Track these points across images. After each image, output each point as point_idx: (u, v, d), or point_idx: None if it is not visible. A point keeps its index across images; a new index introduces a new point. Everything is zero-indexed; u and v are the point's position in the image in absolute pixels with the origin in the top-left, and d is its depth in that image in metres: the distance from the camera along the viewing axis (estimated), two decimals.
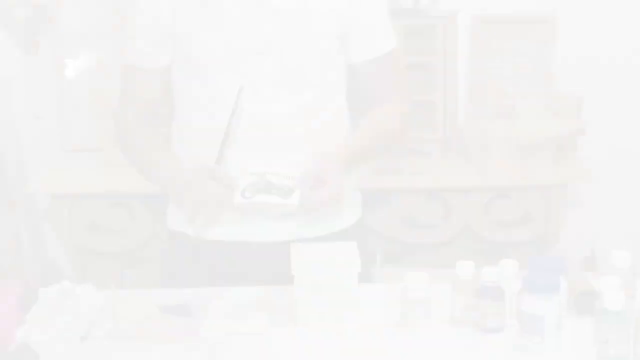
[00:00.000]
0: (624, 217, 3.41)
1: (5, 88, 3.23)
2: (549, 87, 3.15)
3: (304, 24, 1.88)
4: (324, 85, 1.94)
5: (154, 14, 1.90)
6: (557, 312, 1.63)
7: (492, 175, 2.81)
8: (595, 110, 3.26)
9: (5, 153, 2.98)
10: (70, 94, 3.13)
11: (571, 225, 3.37)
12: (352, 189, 2.06)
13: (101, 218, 2.91)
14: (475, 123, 3.13)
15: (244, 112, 1.90)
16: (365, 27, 1.95)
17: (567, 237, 3.39)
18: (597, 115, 3.26)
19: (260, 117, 1.90)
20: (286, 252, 1.82)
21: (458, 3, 3.15)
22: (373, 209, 2.91)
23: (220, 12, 1.87)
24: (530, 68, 3.18)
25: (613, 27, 3.25)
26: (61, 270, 3.31)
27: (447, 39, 2.99)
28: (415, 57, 2.99)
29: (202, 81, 1.91)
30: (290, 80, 1.90)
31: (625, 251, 1.76)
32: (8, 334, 1.70)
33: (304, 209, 1.81)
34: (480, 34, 3.20)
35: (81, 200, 2.86)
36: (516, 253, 3.07)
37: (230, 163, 1.89)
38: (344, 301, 1.77)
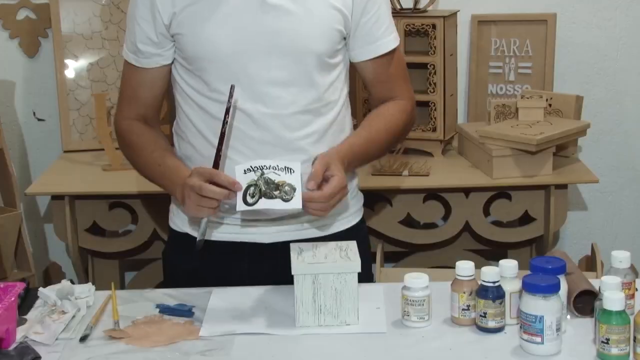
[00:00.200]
0: (624, 217, 3.41)
1: (7, 89, 3.23)
2: (549, 87, 3.15)
3: (306, 24, 1.88)
4: (327, 85, 1.94)
5: (155, 15, 1.90)
6: (557, 312, 1.63)
7: (492, 175, 2.80)
8: (595, 110, 3.26)
9: (7, 153, 2.97)
10: (70, 94, 3.12)
11: (571, 225, 3.37)
12: (355, 189, 2.06)
13: (101, 219, 2.91)
14: (475, 123, 3.13)
15: (246, 113, 1.90)
16: (369, 26, 1.94)
17: (567, 237, 3.40)
18: (597, 115, 3.26)
19: (262, 118, 1.90)
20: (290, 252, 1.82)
21: (458, 3, 3.15)
22: (373, 209, 2.91)
23: (222, 12, 1.86)
24: (530, 68, 3.18)
25: (613, 27, 3.25)
26: (61, 270, 3.31)
27: (447, 39, 2.99)
28: (416, 57, 2.99)
29: (203, 81, 1.91)
30: (293, 80, 1.90)
31: (625, 251, 1.76)
32: (8, 334, 1.70)
33: (312, 210, 1.81)
34: (480, 34, 3.20)
35: (81, 201, 2.86)
36: (516, 253, 3.08)
37: (230, 163, 1.88)
38: (344, 301, 1.76)
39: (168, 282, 2.09)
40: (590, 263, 2.82)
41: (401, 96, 2.03)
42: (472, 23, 3.20)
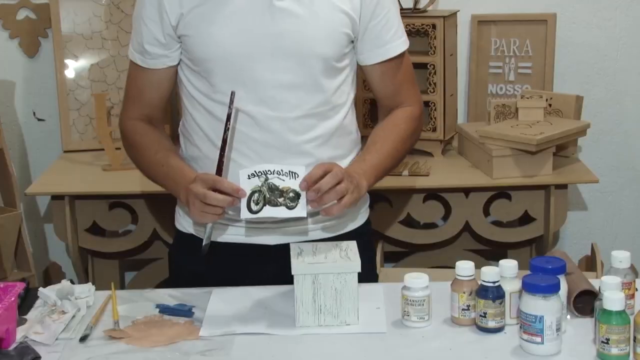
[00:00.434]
0: (624, 217, 3.41)
1: (7, 89, 3.23)
2: (549, 87, 3.15)
3: (312, 27, 1.87)
4: (333, 88, 1.93)
5: (162, 16, 1.89)
6: (557, 312, 1.63)
7: (492, 175, 2.80)
8: (595, 110, 3.26)
9: (7, 153, 2.97)
10: (70, 94, 3.12)
11: (571, 225, 3.37)
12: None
13: (101, 219, 2.91)
14: (475, 123, 3.13)
15: (250, 116, 1.89)
16: (377, 29, 1.93)
17: (567, 237, 3.40)
18: (597, 115, 3.26)
19: (267, 121, 1.89)
20: None
21: (458, 3, 3.15)
22: (373, 208, 2.91)
23: (229, 14, 1.86)
24: (530, 68, 3.18)
25: (613, 27, 3.25)
26: (61, 270, 3.31)
27: (447, 39, 2.99)
28: (415, 57, 2.99)
29: (209, 83, 1.90)
30: (299, 83, 1.89)
31: (625, 251, 1.76)
32: (8, 334, 1.70)
33: (325, 212, 1.80)
34: (480, 34, 3.20)
35: (81, 201, 2.86)
36: (516, 253, 3.08)
37: (235, 166, 1.88)
38: (344, 301, 1.76)
39: (174, 282, 2.08)
40: (590, 263, 2.82)
41: (408, 101, 2.02)
42: (472, 23, 3.20)
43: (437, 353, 1.67)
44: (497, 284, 1.72)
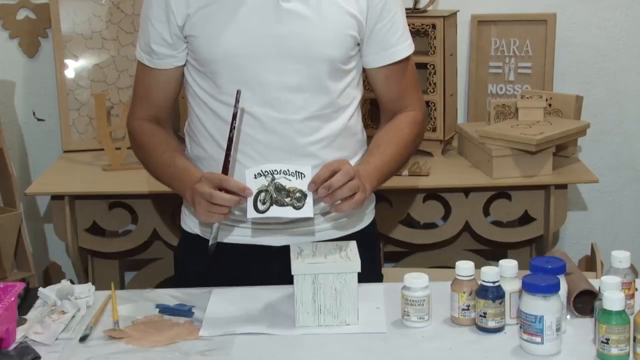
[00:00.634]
0: (624, 217, 3.41)
1: (7, 89, 3.23)
2: (548, 87, 3.15)
3: (319, 29, 1.86)
4: (339, 91, 1.93)
5: (169, 16, 1.89)
6: (557, 312, 1.63)
7: (492, 175, 2.80)
8: (595, 110, 3.26)
9: (7, 153, 2.97)
10: (70, 94, 3.12)
11: (571, 225, 3.37)
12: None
13: (101, 219, 2.91)
14: (475, 123, 3.13)
15: (256, 117, 1.89)
16: (383, 32, 1.93)
17: (567, 237, 3.40)
18: (597, 115, 3.26)
19: (272, 122, 1.89)
20: None
21: (458, 3, 3.15)
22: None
23: (235, 15, 1.85)
24: (530, 68, 3.18)
25: (613, 27, 3.25)
26: (61, 270, 3.31)
27: (447, 39, 2.99)
28: (415, 57, 2.98)
29: (215, 84, 1.90)
30: (305, 85, 1.89)
31: (625, 251, 1.76)
32: (8, 334, 1.70)
33: (335, 209, 1.80)
34: (480, 34, 3.20)
35: (81, 201, 2.86)
36: (516, 253, 3.08)
37: (240, 167, 1.88)
38: (344, 301, 1.76)
39: (179, 282, 2.08)
40: (590, 263, 2.82)
41: (412, 106, 2.01)
42: (472, 23, 3.20)
43: (437, 353, 1.67)
44: (497, 284, 1.72)
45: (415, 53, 2.98)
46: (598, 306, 1.63)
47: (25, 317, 1.82)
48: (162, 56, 1.94)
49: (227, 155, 1.81)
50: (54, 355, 1.69)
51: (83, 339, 1.74)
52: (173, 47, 1.92)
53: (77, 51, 3.12)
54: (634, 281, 1.76)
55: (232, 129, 1.80)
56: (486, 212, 2.93)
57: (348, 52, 1.91)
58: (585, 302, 1.78)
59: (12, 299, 1.70)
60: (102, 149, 2.97)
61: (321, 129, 1.92)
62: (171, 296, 1.92)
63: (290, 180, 1.76)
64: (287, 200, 1.76)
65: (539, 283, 1.63)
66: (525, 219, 2.95)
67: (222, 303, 1.87)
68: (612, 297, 1.58)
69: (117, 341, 1.74)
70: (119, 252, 3.01)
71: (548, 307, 1.62)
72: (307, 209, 1.76)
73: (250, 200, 1.75)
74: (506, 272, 1.75)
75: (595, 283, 1.80)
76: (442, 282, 1.83)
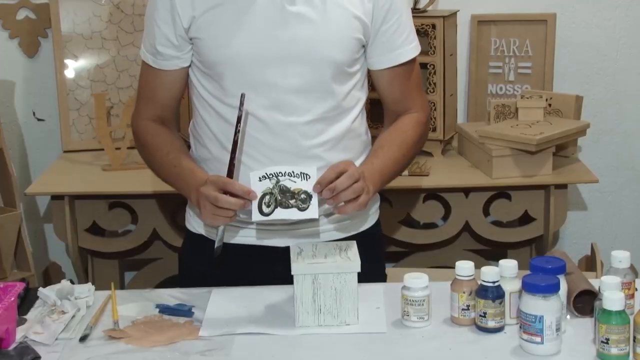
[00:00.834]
0: (623, 217, 3.41)
1: (7, 89, 3.23)
2: (548, 87, 3.15)
3: (325, 32, 1.86)
4: (344, 93, 1.92)
5: (175, 18, 1.89)
6: (557, 312, 1.63)
7: (492, 175, 2.80)
8: (595, 110, 3.26)
9: (7, 153, 2.97)
10: (70, 94, 3.12)
11: (571, 225, 3.37)
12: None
13: (101, 219, 2.91)
14: (475, 123, 3.13)
15: (261, 120, 1.88)
16: (389, 34, 1.92)
17: (567, 237, 3.40)
18: (597, 115, 3.26)
19: (277, 125, 1.88)
20: None
21: (458, 3, 3.15)
22: None
23: (241, 18, 1.85)
24: (530, 68, 3.18)
25: (613, 27, 3.25)
26: (61, 270, 3.31)
27: (447, 39, 2.99)
28: None
29: (220, 86, 1.90)
30: (310, 88, 1.88)
31: (625, 251, 1.76)
32: (8, 334, 1.70)
33: (339, 211, 1.80)
34: (480, 34, 3.20)
35: (81, 201, 2.86)
36: (516, 253, 3.08)
37: (245, 170, 1.88)
38: (344, 301, 1.76)
39: (183, 282, 2.07)
40: (590, 263, 2.82)
41: (416, 107, 2.01)
42: (472, 23, 3.20)
43: (437, 353, 1.67)
44: (496, 284, 1.72)
45: None
46: (598, 306, 1.63)
47: (25, 317, 1.82)
48: (168, 57, 1.93)
49: (232, 158, 1.81)
50: (54, 355, 1.69)
51: (83, 339, 1.74)
52: (178, 48, 1.92)
53: (77, 51, 3.12)
54: (634, 281, 1.76)
55: (236, 132, 1.80)
56: (486, 212, 2.93)
57: (353, 55, 1.91)
58: (585, 302, 1.78)
59: (12, 299, 1.70)
60: (102, 149, 2.97)
61: (326, 131, 1.91)
62: (171, 296, 1.92)
63: (295, 182, 1.76)
64: (292, 202, 1.76)
65: (539, 283, 1.63)
66: (525, 219, 2.95)
67: (222, 303, 1.87)
68: (612, 297, 1.58)
69: (117, 341, 1.74)
70: (119, 252, 3.01)
71: (548, 307, 1.62)
72: (312, 210, 1.76)
73: (255, 203, 1.75)
74: (506, 272, 1.75)
75: (595, 283, 1.80)
76: (442, 282, 1.83)
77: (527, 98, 2.95)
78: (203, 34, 1.88)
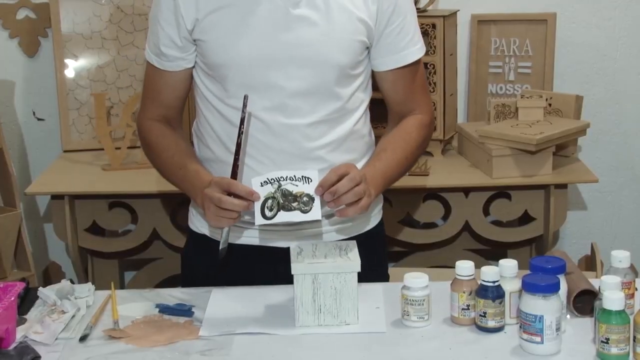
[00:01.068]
0: (623, 217, 3.41)
1: (7, 89, 3.23)
2: (548, 87, 3.15)
3: (329, 35, 1.86)
4: (348, 95, 1.92)
5: (178, 20, 1.89)
6: (557, 311, 1.63)
7: (492, 175, 2.81)
8: (594, 110, 3.26)
9: (7, 153, 2.97)
10: (70, 94, 3.12)
11: (571, 225, 3.37)
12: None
13: (101, 218, 2.91)
14: (475, 123, 3.13)
15: (264, 122, 1.88)
16: (392, 36, 1.92)
17: (566, 237, 3.40)
18: (597, 115, 3.26)
19: (281, 127, 1.88)
20: None
21: (458, 3, 3.15)
22: None
23: (245, 21, 1.85)
24: (530, 68, 3.18)
25: (613, 27, 3.25)
26: (61, 270, 3.31)
27: (447, 38, 2.99)
28: None
29: (223, 88, 1.90)
30: (314, 91, 1.88)
31: (625, 251, 1.76)
32: (8, 333, 1.70)
33: (340, 214, 1.80)
34: (480, 33, 3.20)
35: (81, 201, 2.86)
36: (516, 253, 3.08)
37: (248, 171, 1.88)
38: (344, 301, 1.76)
39: (186, 282, 2.07)
40: (590, 263, 2.82)
41: (419, 109, 2.01)
42: (472, 23, 3.20)
43: (437, 353, 1.67)
44: (496, 284, 1.72)
45: None
46: (598, 306, 1.63)
47: (25, 316, 1.82)
48: (172, 58, 1.93)
49: (236, 160, 1.81)
50: (54, 355, 1.69)
51: (83, 338, 1.74)
52: (182, 49, 1.92)
53: (77, 51, 3.12)
54: (634, 281, 1.76)
55: (240, 134, 1.80)
56: (486, 212, 2.93)
57: (357, 58, 1.91)
58: (585, 302, 1.78)
59: (12, 298, 1.70)
60: (102, 149, 2.97)
61: (329, 133, 1.91)
62: (171, 296, 1.92)
63: (297, 185, 1.76)
64: (295, 205, 1.76)
65: (538, 283, 1.63)
66: (525, 218, 2.95)
67: (222, 303, 1.87)
68: (612, 296, 1.58)
69: (117, 341, 1.74)
70: (118, 252, 3.01)
71: (548, 307, 1.62)
72: (315, 212, 1.76)
73: (257, 208, 1.76)
74: (506, 271, 1.75)
75: (595, 283, 1.80)
76: (442, 282, 1.83)
77: (527, 98, 2.95)
78: (207, 36, 1.88)
